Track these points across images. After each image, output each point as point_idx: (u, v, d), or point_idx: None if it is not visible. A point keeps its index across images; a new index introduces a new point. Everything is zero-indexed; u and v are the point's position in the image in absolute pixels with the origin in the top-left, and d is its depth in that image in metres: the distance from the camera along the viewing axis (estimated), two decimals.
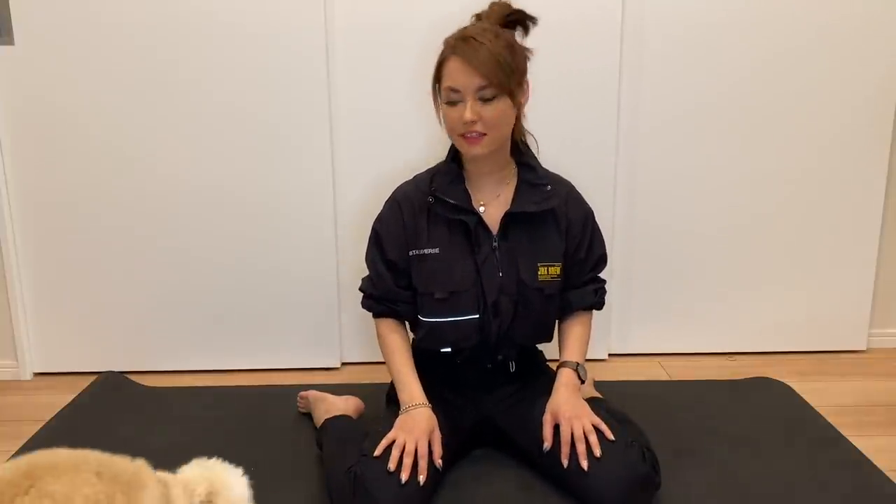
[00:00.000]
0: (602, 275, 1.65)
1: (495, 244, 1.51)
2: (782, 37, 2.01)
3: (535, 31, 1.51)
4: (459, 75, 1.40)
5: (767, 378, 2.01)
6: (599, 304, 1.64)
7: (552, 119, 2.00)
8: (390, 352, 1.56)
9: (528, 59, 1.48)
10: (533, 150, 1.60)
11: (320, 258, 2.08)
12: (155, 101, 1.98)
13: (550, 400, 1.48)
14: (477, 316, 1.52)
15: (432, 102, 1.53)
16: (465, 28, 1.45)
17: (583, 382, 1.54)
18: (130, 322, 2.12)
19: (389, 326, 1.59)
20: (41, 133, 2.00)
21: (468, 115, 1.40)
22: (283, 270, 2.09)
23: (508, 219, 1.52)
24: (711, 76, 2.04)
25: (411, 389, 1.49)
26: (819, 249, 2.16)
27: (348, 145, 2.03)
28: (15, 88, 1.97)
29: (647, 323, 2.21)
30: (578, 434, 1.40)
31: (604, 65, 1.98)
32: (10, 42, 1.94)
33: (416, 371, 1.54)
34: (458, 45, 1.41)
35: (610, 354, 2.21)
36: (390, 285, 1.57)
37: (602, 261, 1.64)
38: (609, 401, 1.74)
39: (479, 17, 1.51)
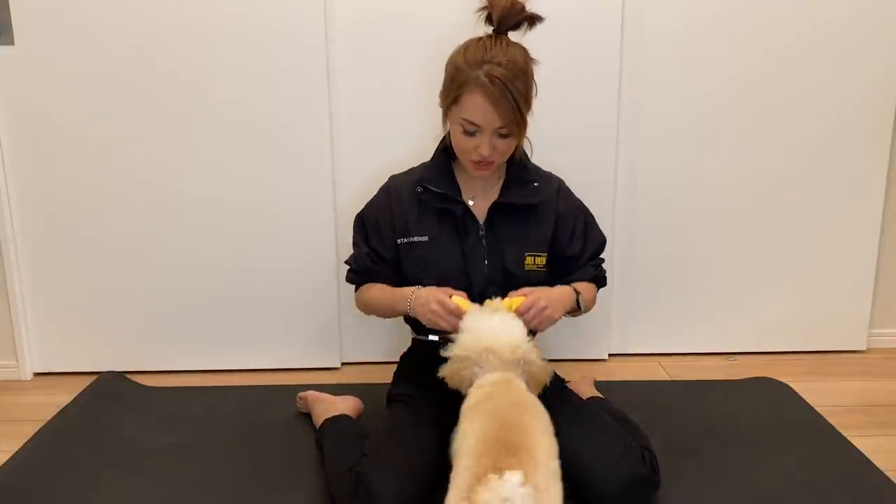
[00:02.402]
0: (603, 265, 1.67)
1: (482, 233, 1.54)
2: (783, 37, 2.01)
3: (535, 30, 1.50)
4: (482, 115, 1.41)
5: (767, 378, 2.01)
6: (600, 279, 1.64)
7: (552, 118, 2.00)
8: (372, 293, 1.59)
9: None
10: (528, 151, 1.61)
11: (320, 258, 2.08)
12: (154, 100, 1.97)
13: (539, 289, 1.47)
14: None
15: (440, 107, 1.51)
16: (493, 57, 1.39)
17: (577, 308, 1.53)
18: (130, 322, 2.12)
19: (368, 285, 1.62)
20: (41, 133, 2.00)
21: (486, 151, 1.44)
22: (282, 270, 2.08)
23: (495, 209, 1.54)
24: (712, 76, 2.04)
25: (402, 290, 1.52)
26: (819, 249, 2.16)
27: (348, 145, 2.03)
28: (15, 88, 1.97)
29: (647, 323, 2.21)
30: (532, 313, 1.40)
31: (604, 64, 1.98)
32: (10, 42, 1.93)
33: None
34: (486, 85, 1.38)
35: (610, 354, 2.21)
36: (370, 265, 1.60)
37: (601, 248, 1.66)
38: (609, 401, 1.74)
39: (489, 20, 1.46)
